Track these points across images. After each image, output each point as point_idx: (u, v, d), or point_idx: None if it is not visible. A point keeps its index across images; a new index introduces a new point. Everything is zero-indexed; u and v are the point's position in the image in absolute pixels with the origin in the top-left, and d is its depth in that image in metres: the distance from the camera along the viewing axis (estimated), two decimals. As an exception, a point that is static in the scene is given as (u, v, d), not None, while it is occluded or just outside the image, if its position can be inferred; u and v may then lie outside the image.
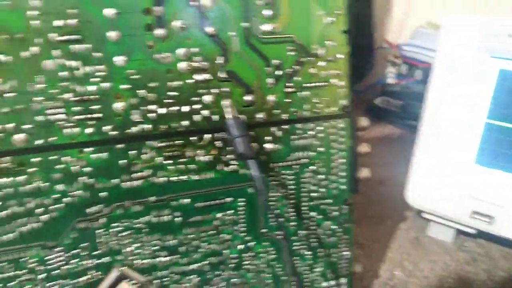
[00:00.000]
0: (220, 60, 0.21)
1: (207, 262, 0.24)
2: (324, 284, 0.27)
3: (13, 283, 0.22)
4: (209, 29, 0.21)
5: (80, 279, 0.23)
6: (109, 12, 0.19)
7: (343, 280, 0.28)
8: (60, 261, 0.22)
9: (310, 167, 0.24)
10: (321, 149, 0.24)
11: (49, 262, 0.22)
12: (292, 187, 0.25)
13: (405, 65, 0.67)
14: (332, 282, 0.27)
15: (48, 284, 0.22)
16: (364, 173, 0.26)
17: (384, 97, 0.55)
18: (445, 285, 0.33)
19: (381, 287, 0.33)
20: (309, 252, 0.26)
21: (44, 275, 0.22)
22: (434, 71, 0.34)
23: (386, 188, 0.48)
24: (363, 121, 0.25)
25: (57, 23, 0.19)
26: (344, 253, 0.27)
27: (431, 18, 0.65)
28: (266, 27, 0.22)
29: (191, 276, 0.24)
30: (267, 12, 0.21)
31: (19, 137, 0.20)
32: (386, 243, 0.38)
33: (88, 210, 0.21)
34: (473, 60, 0.31)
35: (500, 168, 0.32)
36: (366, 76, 0.67)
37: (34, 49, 0.19)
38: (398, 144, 0.59)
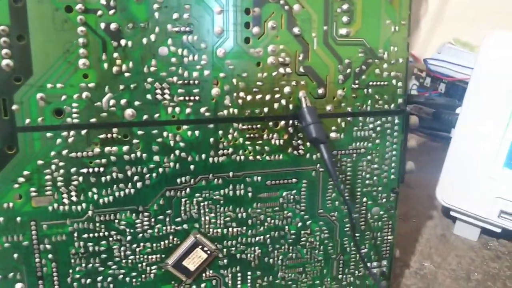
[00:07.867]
0: (300, 56, 0.25)
1: (269, 235, 0.28)
2: (368, 264, 0.30)
3: (103, 242, 0.25)
4: (295, 30, 0.24)
5: (160, 243, 0.26)
6: (216, 9, 0.23)
7: (384, 262, 0.31)
8: (146, 225, 0.25)
9: (367, 157, 0.28)
10: (377, 141, 0.28)
11: (136, 225, 0.25)
12: (349, 173, 0.28)
13: (428, 78, 0.71)
14: (375, 263, 0.30)
15: (132, 246, 0.25)
16: (409, 165, 0.30)
17: (416, 105, 0.58)
18: (471, 277, 0.36)
19: (412, 275, 0.36)
20: (357, 234, 0.29)
21: (130, 237, 0.25)
22: (470, 83, 0.37)
23: (412, 190, 0.51)
24: (413, 119, 0.29)
25: (174, 16, 0.22)
26: (388, 237, 0.30)
27: (457, 35, 0.68)
28: (342, 31, 0.25)
29: (254, 248, 0.28)
30: (344, 18, 0.25)
31: (129, 112, 0.23)
32: (414, 238, 0.41)
33: (177, 180, 0.25)
34: (508, 74, 0.35)
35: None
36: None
37: (152, 37, 0.22)
38: (422, 151, 0.62)
